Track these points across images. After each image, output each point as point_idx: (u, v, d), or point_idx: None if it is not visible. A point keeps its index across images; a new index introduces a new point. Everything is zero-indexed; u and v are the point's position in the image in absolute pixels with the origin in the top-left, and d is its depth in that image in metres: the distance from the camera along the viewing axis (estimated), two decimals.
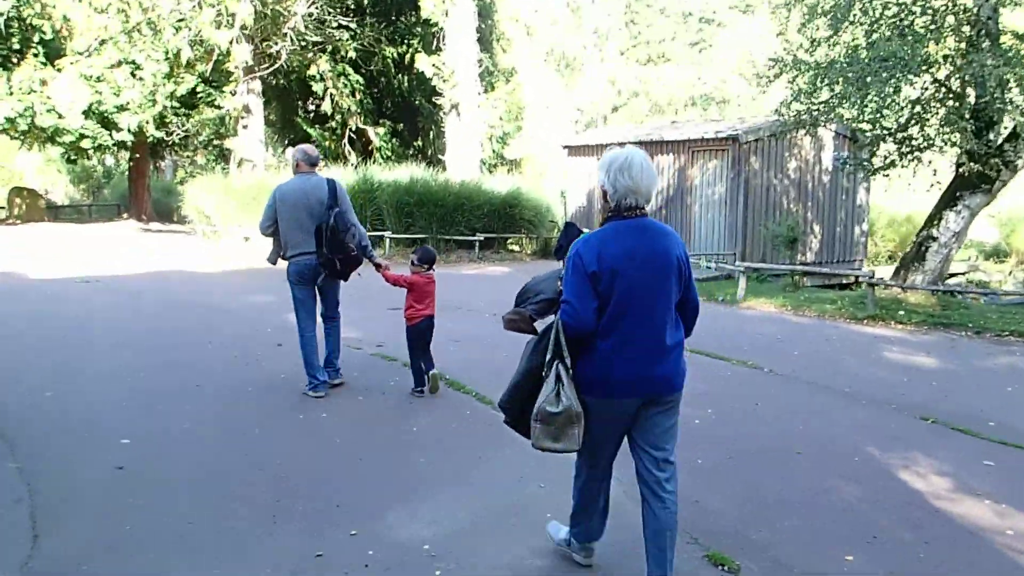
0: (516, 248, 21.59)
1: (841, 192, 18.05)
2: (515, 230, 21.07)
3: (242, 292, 12.65)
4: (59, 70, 22.25)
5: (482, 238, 19.94)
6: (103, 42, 20.96)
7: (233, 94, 23.21)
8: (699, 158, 17.34)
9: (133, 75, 25.48)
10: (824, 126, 16.63)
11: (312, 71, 23.47)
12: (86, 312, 10.46)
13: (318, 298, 6.62)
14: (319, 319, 6.69)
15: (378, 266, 6.53)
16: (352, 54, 24.16)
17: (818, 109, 12.49)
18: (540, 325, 3.39)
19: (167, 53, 23.08)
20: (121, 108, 26.53)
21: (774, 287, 14.55)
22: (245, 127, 23.65)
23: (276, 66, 21.93)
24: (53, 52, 23.91)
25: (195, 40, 20.57)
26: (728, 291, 13.55)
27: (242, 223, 20.29)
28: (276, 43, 21.50)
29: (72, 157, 33.39)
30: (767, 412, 6.41)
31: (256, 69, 22.60)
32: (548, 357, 3.15)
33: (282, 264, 6.62)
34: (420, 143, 28.41)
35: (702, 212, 17.30)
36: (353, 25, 24.28)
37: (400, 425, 5.87)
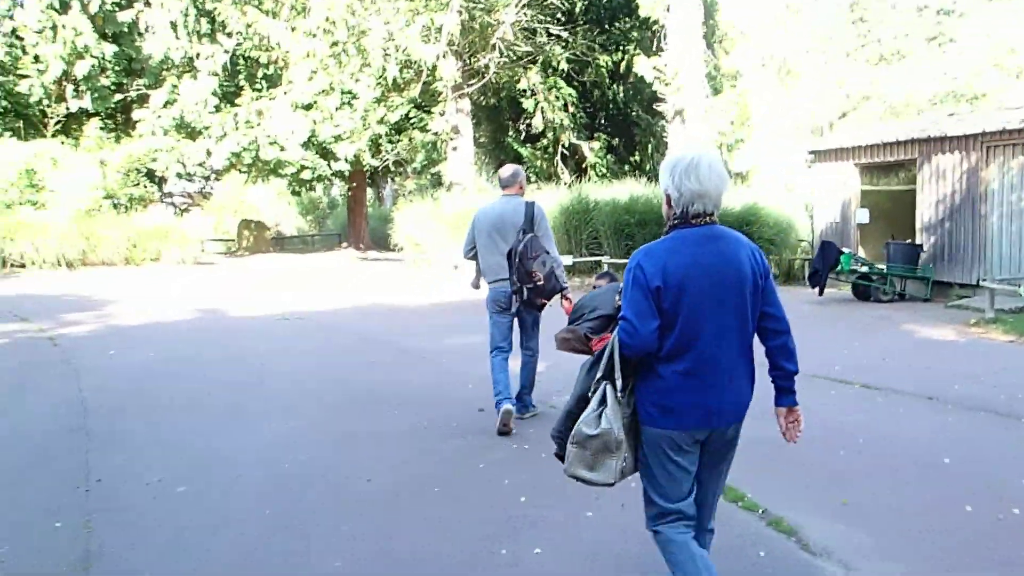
0: None
1: None
2: None
3: (444, 331, 11.03)
4: (272, 99, 22.30)
5: None
6: (314, 72, 20.65)
7: (442, 114, 22.23)
8: (997, 155, 13.77)
9: (349, 104, 25.45)
10: None
11: (522, 85, 22.00)
12: (272, 357, 9.17)
13: (516, 327, 6.28)
14: (517, 348, 6.31)
15: (567, 300, 5.85)
16: (564, 65, 22.47)
17: None
18: None
19: (378, 77, 22.57)
20: (337, 138, 26.68)
21: None
22: (455, 149, 22.62)
23: (484, 81, 20.65)
24: (272, 84, 24.23)
25: (402, 61, 19.71)
26: None
27: (451, 250, 19.08)
28: (484, 57, 20.20)
29: (296, 189, 34.54)
30: None
31: (464, 87, 21.47)
32: (599, 375, 2.85)
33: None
34: (637, 158, 26.22)
35: (1004, 224, 13.68)
36: (564, 34, 22.62)
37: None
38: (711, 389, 2.80)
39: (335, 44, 19.55)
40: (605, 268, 11.68)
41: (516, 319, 6.21)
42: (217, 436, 6.04)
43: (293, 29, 19.87)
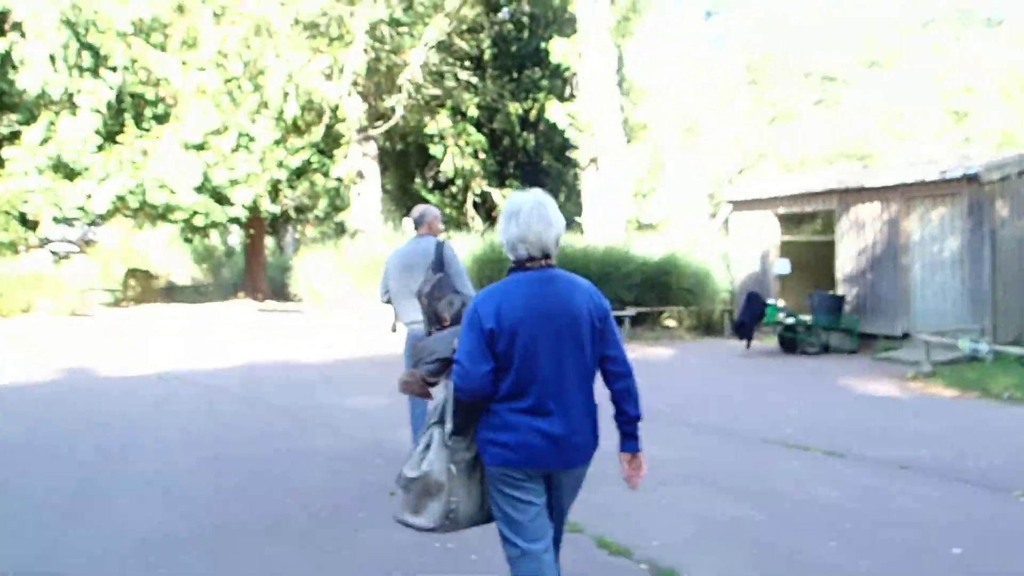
0: (672, 323, 18.13)
1: None
2: (670, 302, 17.66)
3: (349, 390, 9.75)
4: (159, 138, 20.65)
5: (633, 313, 16.60)
6: (207, 110, 19.20)
7: (345, 157, 21.02)
8: (917, 206, 13.59)
9: (246, 148, 24.05)
10: None
11: (430, 129, 21.06)
12: (139, 427, 7.70)
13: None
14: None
15: None
16: (473, 111, 21.70)
17: None
18: None
19: (277, 117, 21.29)
20: (233, 182, 25.10)
21: None
22: (359, 195, 21.41)
23: (392, 123, 19.60)
24: (162, 124, 22.55)
25: (304, 101, 18.52)
26: (1005, 382, 9.66)
27: (355, 301, 17.78)
28: (390, 99, 19.22)
29: (188, 236, 32.48)
30: None
31: (370, 129, 20.39)
32: (432, 420, 2.92)
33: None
34: None
35: (926, 275, 13.45)
36: (474, 80, 21.91)
37: None
38: (550, 429, 2.78)
39: (229, 80, 18.20)
40: None
41: None
42: (48, 537, 4.65)
43: (184, 63, 18.42)
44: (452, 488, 2.85)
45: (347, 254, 19.51)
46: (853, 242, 14.61)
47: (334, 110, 18.94)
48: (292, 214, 30.99)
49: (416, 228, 5.99)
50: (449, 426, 2.86)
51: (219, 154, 21.64)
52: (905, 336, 13.56)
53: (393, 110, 19.34)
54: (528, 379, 2.78)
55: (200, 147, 21.36)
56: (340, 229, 30.37)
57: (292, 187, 24.58)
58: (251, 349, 14.31)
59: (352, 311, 17.92)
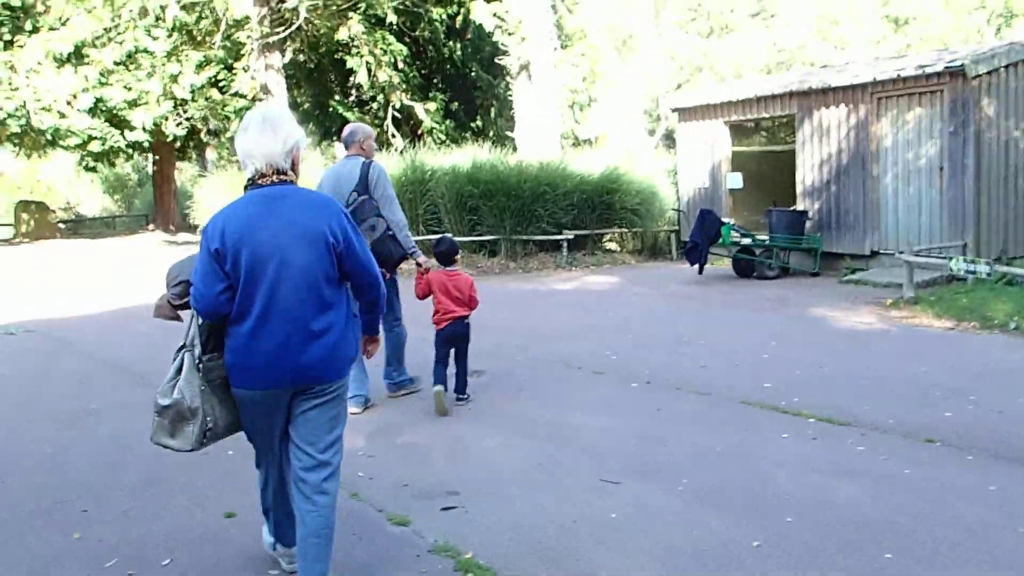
0: (614, 247, 16.53)
1: None
2: (612, 223, 16.02)
3: None
4: (21, 47, 17.93)
5: (571, 236, 14.89)
6: (70, 12, 16.51)
7: (246, 70, 18.61)
8: (889, 107, 11.98)
9: (139, 66, 21.48)
10: None
11: (342, 36, 18.63)
12: None
13: None
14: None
15: (419, 265, 5.61)
16: (392, 17, 19.32)
17: None
18: None
19: (168, 26, 18.73)
20: (132, 103, 22.65)
21: None
22: None
23: (294, 28, 17.18)
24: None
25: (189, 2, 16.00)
26: (1004, 308, 8.23)
27: None
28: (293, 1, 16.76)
29: (89, 164, 29.76)
30: None
31: (273, 37, 17.94)
32: (182, 343, 2.87)
33: None
34: (479, 123, 23.48)
35: (898, 185, 11.94)
36: None
37: None
38: (281, 349, 2.73)
39: None
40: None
41: None
42: None
43: None
44: (206, 409, 2.81)
45: None
46: (816, 151, 13.01)
47: (225, 13, 16.49)
48: (205, 138, 28.48)
49: (347, 148, 5.67)
50: (198, 349, 2.81)
51: (99, 67, 19.09)
52: (874, 255, 12.17)
53: (296, 13, 16.90)
54: (252, 299, 2.71)
55: (78, 59, 18.76)
56: None
57: (199, 109, 22.22)
58: (140, 291, 12.22)
59: None
